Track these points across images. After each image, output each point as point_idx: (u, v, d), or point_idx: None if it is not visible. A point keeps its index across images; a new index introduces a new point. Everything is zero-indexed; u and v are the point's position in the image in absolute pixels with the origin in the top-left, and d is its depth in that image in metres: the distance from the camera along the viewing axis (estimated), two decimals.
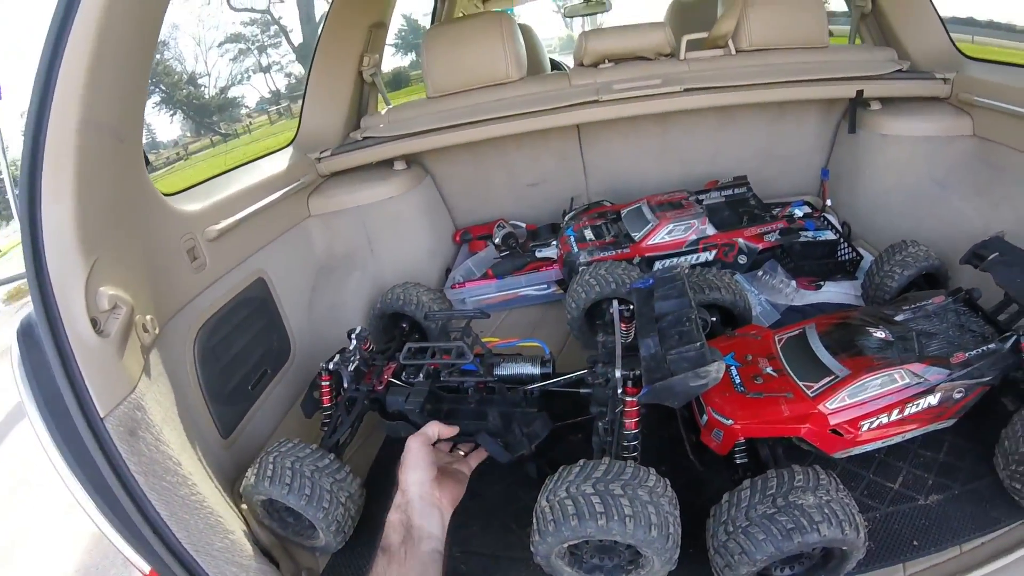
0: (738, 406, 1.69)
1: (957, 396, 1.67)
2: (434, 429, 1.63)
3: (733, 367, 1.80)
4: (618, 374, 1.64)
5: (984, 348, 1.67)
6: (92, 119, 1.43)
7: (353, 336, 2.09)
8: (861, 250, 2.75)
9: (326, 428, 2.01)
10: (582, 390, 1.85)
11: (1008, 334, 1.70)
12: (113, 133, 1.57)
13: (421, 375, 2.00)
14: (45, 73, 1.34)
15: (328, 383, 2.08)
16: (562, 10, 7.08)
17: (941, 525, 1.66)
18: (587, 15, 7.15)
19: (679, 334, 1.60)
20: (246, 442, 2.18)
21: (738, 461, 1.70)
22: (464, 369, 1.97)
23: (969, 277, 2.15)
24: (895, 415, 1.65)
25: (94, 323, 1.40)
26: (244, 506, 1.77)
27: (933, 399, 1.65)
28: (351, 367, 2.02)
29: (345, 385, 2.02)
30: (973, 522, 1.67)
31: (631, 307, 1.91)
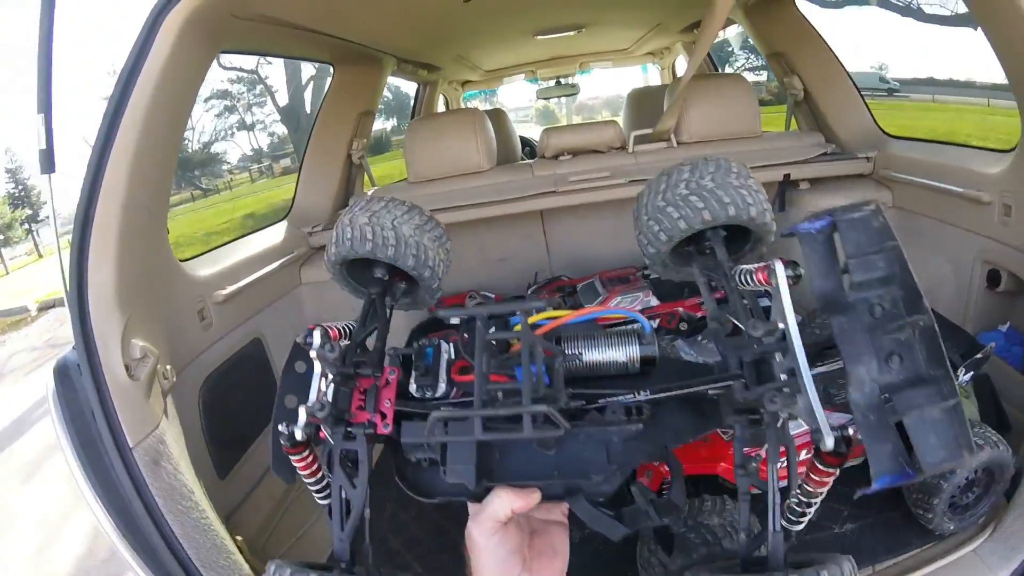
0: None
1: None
2: (504, 504, 1.04)
3: None
4: (818, 418, 0.97)
5: None
6: (133, 198, 1.78)
7: (309, 337, 1.26)
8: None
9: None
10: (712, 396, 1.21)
11: None
12: (147, 210, 1.91)
13: (443, 377, 1.32)
14: (98, 158, 1.71)
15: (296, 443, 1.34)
16: (536, 93, 7.49)
17: (855, 549, 1.89)
18: (558, 97, 7.62)
19: (898, 354, 0.90)
20: (239, 484, 2.45)
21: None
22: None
23: None
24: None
25: (127, 368, 1.69)
26: (239, 538, 1.95)
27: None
28: (322, 404, 1.21)
29: (324, 434, 1.27)
30: (885, 546, 1.92)
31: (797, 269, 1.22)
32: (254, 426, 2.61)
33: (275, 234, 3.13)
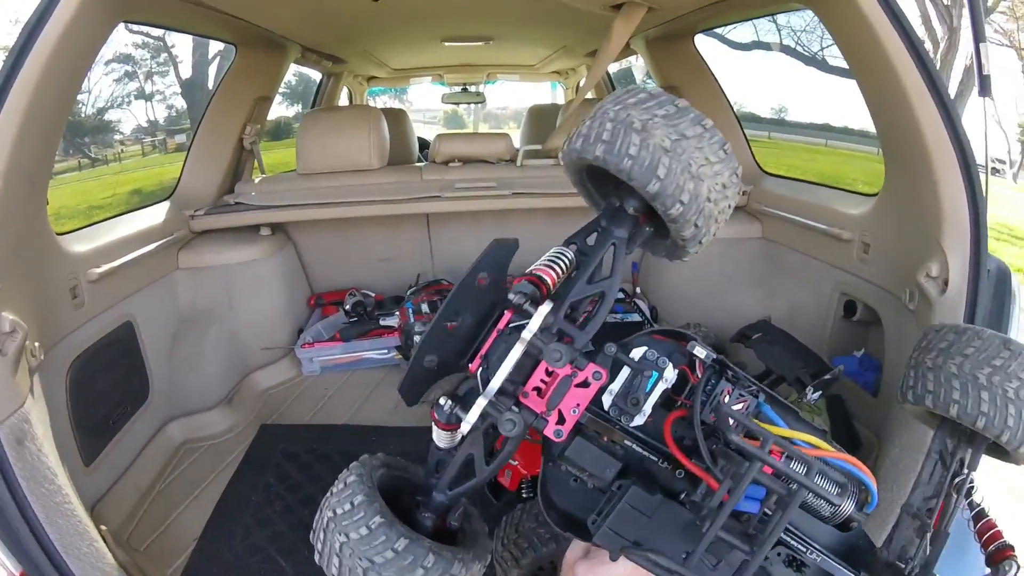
0: (522, 450, 2.01)
1: None
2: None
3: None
4: None
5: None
6: (15, 166, 1.71)
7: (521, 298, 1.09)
8: None
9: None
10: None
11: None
12: (28, 178, 1.84)
13: (649, 409, 1.15)
14: None
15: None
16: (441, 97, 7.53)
17: None
18: (463, 103, 7.68)
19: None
20: (105, 472, 2.37)
21: (524, 496, 2.07)
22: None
23: (745, 353, 2.63)
24: None
25: None
26: (103, 527, 1.87)
27: None
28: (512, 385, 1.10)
29: (466, 424, 1.08)
30: None
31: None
32: (122, 413, 2.54)
33: (156, 214, 3.03)
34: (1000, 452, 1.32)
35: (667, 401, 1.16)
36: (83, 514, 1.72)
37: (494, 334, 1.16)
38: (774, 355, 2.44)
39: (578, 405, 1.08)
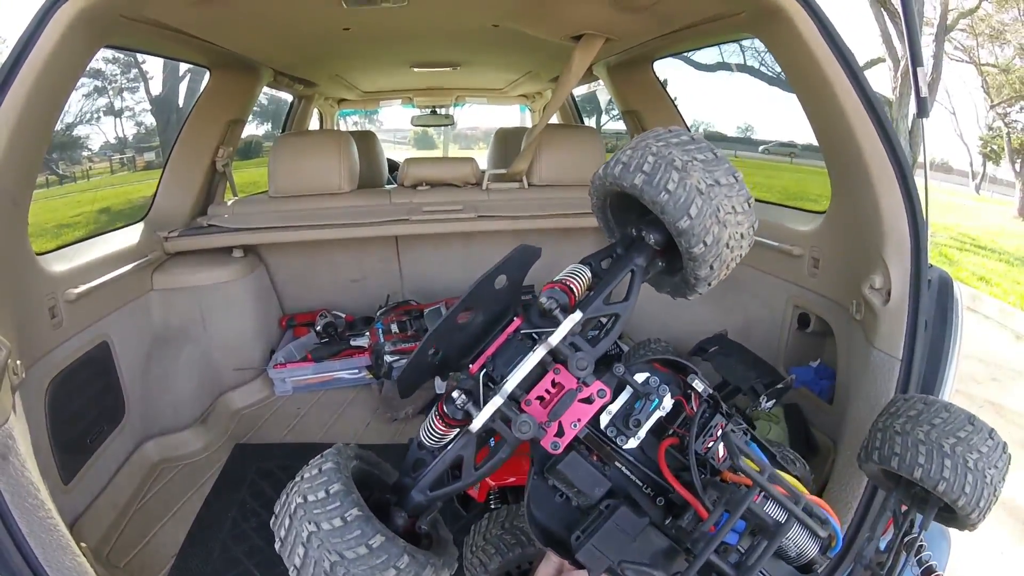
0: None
1: None
2: None
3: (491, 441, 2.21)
4: None
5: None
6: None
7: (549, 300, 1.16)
8: (623, 344, 3.35)
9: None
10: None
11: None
12: (11, 199, 1.89)
13: (643, 434, 1.17)
14: None
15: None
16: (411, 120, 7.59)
17: None
18: (432, 126, 7.76)
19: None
20: (83, 490, 2.40)
21: (492, 506, 2.14)
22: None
23: (702, 366, 2.68)
24: None
25: None
26: (83, 544, 1.86)
27: None
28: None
29: (478, 421, 1.10)
30: None
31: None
32: (99, 432, 2.57)
33: (131, 235, 3.07)
34: (949, 517, 1.44)
35: (658, 429, 1.18)
36: (64, 530, 1.72)
37: (502, 337, 1.19)
38: (730, 367, 2.53)
39: (579, 420, 1.09)
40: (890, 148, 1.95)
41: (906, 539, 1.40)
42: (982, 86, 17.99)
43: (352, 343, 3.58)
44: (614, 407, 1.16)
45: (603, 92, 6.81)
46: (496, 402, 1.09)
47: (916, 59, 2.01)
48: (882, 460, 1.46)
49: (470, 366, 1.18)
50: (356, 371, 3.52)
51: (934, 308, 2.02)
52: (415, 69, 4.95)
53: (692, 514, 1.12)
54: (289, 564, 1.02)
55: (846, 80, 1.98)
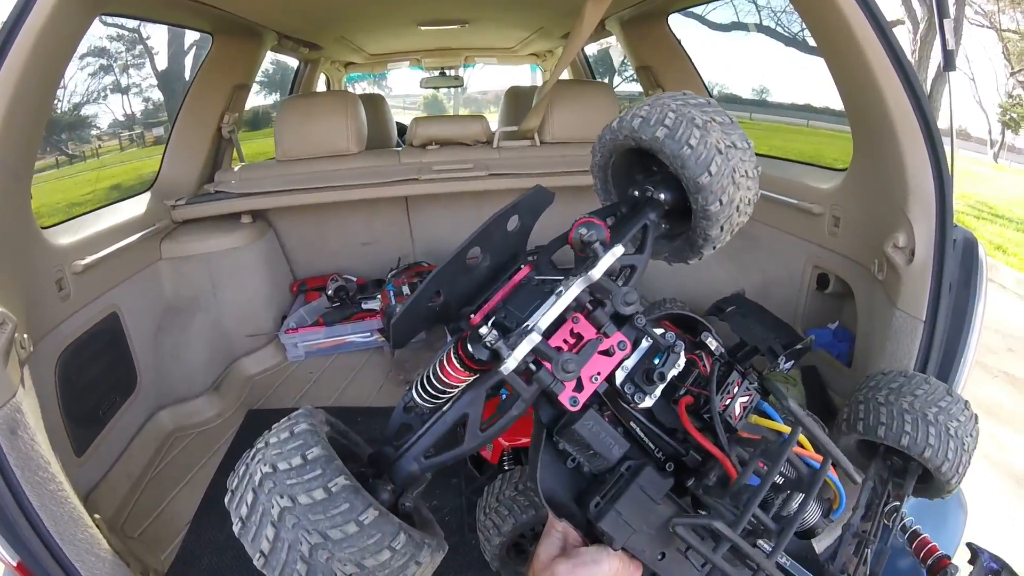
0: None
1: None
2: (615, 572, 0.98)
3: (503, 392, 2.18)
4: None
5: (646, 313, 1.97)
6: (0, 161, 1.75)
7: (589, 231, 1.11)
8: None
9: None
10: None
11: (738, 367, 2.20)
12: (12, 173, 1.87)
13: (658, 391, 1.10)
14: None
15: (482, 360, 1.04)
16: (420, 82, 7.48)
17: None
18: (441, 88, 7.64)
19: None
20: (96, 462, 2.40)
21: (506, 467, 2.11)
22: None
23: (719, 326, 2.67)
24: None
25: None
26: (96, 516, 1.86)
27: None
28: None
29: (512, 361, 0.96)
30: None
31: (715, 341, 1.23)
32: (111, 403, 2.57)
33: (138, 205, 3.04)
34: (924, 487, 1.57)
35: (668, 389, 1.11)
36: (77, 502, 1.72)
37: (512, 283, 1.11)
38: (747, 327, 2.48)
39: (599, 373, 1.02)
40: (916, 103, 1.89)
41: (887, 507, 1.46)
42: (1003, 52, 17.66)
43: (363, 306, 3.56)
44: (630, 362, 1.08)
45: (616, 52, 6.70)
46: (533, 339, 0.96)
47: (942, 9, 1.94)
48: (867, 431, 1.55)
49: (472, 316, 1.07)
50: (368, 334, 3.50)
51: (958, 269, 1.98)
52: (422, 28, 4.87)
53: (718, 471, 1.06)
54: (253, 551, 0.84)
55: (872, 32, 1.90)
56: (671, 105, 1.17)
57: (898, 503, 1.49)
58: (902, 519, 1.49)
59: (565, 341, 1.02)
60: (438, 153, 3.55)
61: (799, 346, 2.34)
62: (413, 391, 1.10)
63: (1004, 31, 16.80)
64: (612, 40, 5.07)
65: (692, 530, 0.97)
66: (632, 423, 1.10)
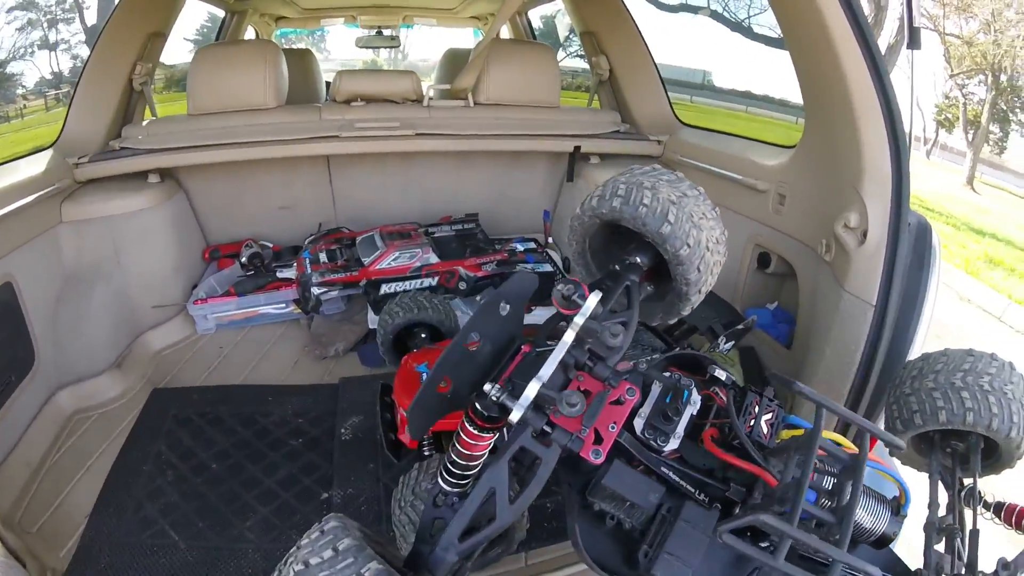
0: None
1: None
2: None
3: (425, 374, 2.08)
4: None
5: (649, 358, 1.92)
6: None
7: (569, 289, 1.16)
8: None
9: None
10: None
11: (676, 348, 2.16)
12: None
13: (681, 431, 1.18)
14: None
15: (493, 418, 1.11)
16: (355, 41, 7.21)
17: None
18: (377, 47, 7.38)
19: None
20: None
21: (426, 452, 1.98)
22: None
23: None
24: None
25: None
26: None
27: None
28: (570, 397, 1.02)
29: (518, 409, 1.03)
30: None
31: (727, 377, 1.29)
32: (6, 383, 2.35)
33: (37, 163, 2.78)
34: (993, 461, 1.51)
35: (692, 430, 1.18)
36: None
37: (515, 361, 1.17)
38: None
39: (615, 423, 1.06)
40: (876, 75, 1.82)
41: (963, 492, 1.41)
42: (944, 55, 18.28)
43: (279, 275, 3.34)
44: (645, 409, 1.17)
45: (562, 26, 6.58)
46: (535, 385, 1.01)
47: None
48: (927, 420, 1.48)
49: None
50: (283, 305, 3.29)
51: (910, 253, 1.92)
52: None
53: (761, 488, 1.10)
54: None
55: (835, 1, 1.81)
56: (620, 178, 1.37)
57: (972, 484, 1.42)
58: (981, 497, 1.42)
59: None
60: (363, 110, 3.36)
61: (740, 327, 2.38)
62: (439, 479, 1.16)
63: (947, 35, 17.36)
64: (559, 6, 4.92)
65: (749, 541, 1.03)
66: (664, 468, 1.14)
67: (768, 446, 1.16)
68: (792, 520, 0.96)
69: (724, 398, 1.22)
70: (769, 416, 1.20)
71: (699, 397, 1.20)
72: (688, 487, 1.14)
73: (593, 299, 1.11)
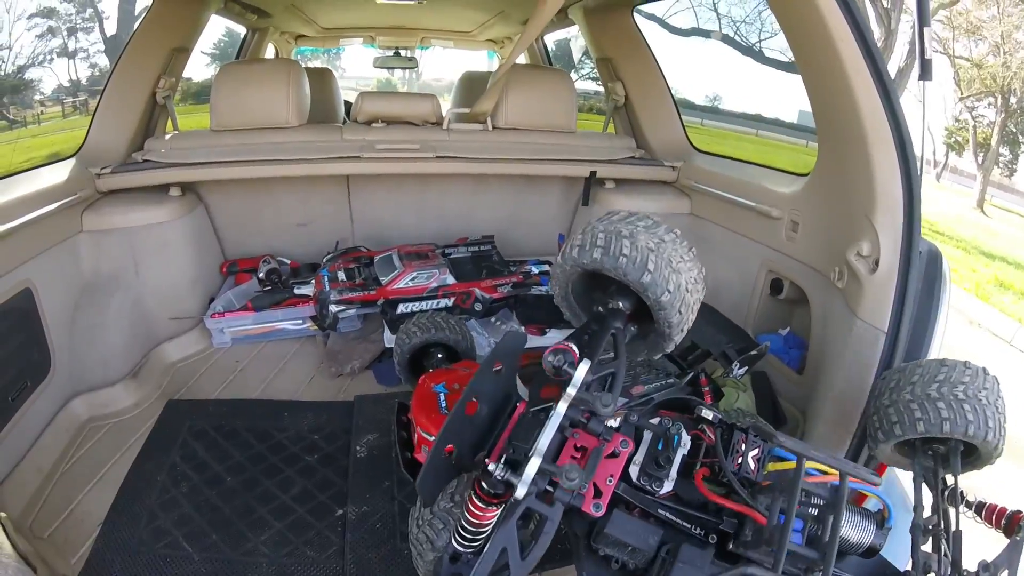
0: (435, 420, 1.97)
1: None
2: None
3: (442, 393, 2.07)
4: None
5: (663, 382, 2.01)
6: None
7: (558, 359, 1.19)
8: None
9: None
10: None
11: (689, 372, 2.19)
12: None
13: (674, 473, 1.24)
14: None
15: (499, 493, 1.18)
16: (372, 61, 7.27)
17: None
18: (394, 68, 7.44)
19: None
20: (4, 455, 2.22)
21: None
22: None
23: None
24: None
25: None
26: (3, 514, 1.76)
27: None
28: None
29: (522, 486, 1.09)
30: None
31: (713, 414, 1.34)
32: (22, 388, 2.37)
33: (59, 172, 2.82)
34: (969, 462, 1.59)
35: (684, 469, 1.25)
36: None
37: (512, 421, 1.24)
38: (700, 330, 2.44)
39: (612, 475, 1.15)
40: (890, 108, 1.85)
41: (946, 493, 1.50)
42: (953, 78, 18.26)
43: (296, 291, 3.36)
44: (639, 457, 1.23)
45: (577, 48, 6.62)
46: (535, 462, 1.07)
47: (923, 19, 1.94)
48: (906, 430, 1.56)
49: (486, 460, 1.16)
50: (300, 322, 3.32)
51: (921, 280, 1.95)
52: (379, 1, 4.67)
53: (750, 525, 1.17)
54: None
55: (849, 32, 1.84)
56: (599, 227, 1.42)
57: (953, 485, 1.51)
58: (963, 497, 1.50)
59: (573, 456, 1.17)
60: (384, 131, 3.40)
61: (754, 352, 2.35)
62: (453, 541, 1.25)
63: (957, 57, 17.33)
64: (574, 30, 4.97)
65: None
66: (661, 511, 1.21)
67: (756, 481, 1.22)
68: (776, 569, 1.06)
69: (712, 437, 1.28)
70: (755, 452, 1.26)
71: (688, 438, 1.27)
72: (684, 524, 1.21)
73: (582, 369, 1.15)
